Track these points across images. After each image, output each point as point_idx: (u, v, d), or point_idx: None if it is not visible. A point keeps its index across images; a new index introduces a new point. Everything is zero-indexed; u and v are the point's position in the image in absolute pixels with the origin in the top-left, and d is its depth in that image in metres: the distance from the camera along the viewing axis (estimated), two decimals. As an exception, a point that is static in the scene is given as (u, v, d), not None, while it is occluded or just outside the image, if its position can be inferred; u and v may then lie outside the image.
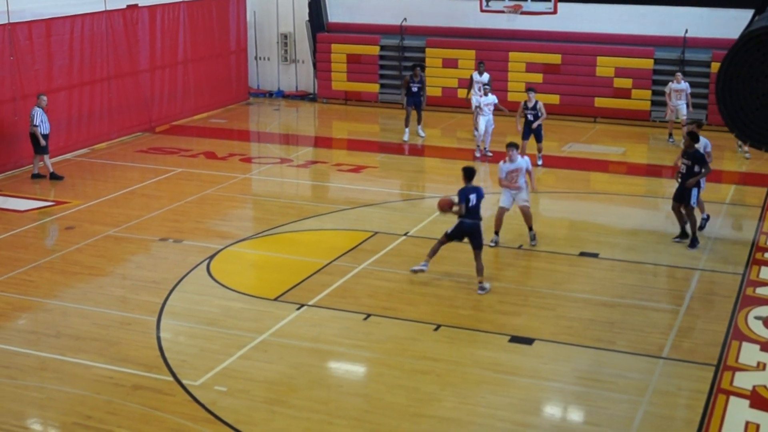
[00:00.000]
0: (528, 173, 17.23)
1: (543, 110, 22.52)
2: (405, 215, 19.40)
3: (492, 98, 23.66)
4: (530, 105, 22.42)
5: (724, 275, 16.10)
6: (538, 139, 22.62)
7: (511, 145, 17.11)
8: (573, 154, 24.25)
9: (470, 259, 16.66)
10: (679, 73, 25.02)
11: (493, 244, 17.23)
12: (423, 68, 27.00)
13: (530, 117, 22.41)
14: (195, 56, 28.71)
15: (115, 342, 13.37)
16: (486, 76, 25.65)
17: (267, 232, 18.28)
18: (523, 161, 17.09)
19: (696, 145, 16.98)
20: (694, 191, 17.10)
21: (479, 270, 15.27)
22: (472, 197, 15.22)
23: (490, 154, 23.64)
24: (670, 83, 25.06)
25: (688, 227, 17.49)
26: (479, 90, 25.15)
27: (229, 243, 17.51)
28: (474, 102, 24.49)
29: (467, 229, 15.29)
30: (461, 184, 14.95)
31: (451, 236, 15.46)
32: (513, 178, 16.99)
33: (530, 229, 17.50)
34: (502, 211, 17.32)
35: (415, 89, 25.51)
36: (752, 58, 8.96)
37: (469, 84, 25.85)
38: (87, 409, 11.55)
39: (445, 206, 15.52)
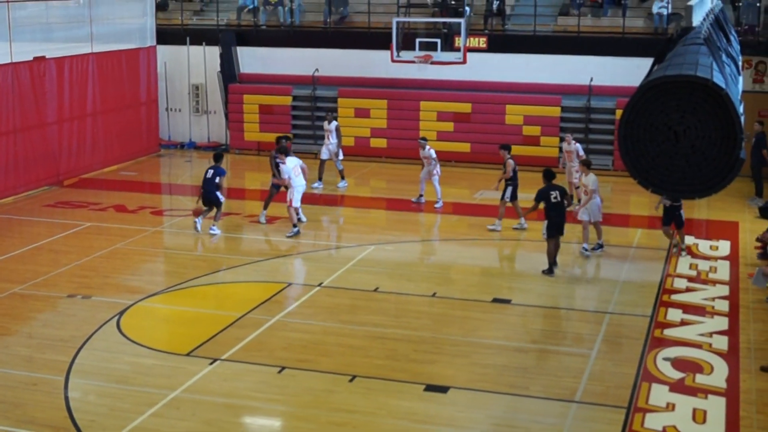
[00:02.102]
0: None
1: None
2: (319, 265, 19.36)
3: (429, 152, 23.66)
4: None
5: (633, 318, 16.35)
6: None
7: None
8: (484, 202, 24.44)
9: (384, 308, 16.74)
10: (568, 135, 23.80)
11: None
12: (288, 139, 23.75)
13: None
14: (104, 108, 28.42)
15: (20, 403, 13.01)
16: (334, 124, 25.99)
17: (179, 286, 18.07)
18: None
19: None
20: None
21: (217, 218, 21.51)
22: (209, 171, 21.48)
23: (423, 201, 23.96)
24: (562, 144, 23.96)
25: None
26: (328, 139, 25.84)
27: (140, 298, 17.26)
28: (323, 153, 25.48)
29: (208, 197, 21.43)
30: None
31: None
32: None
33: None
34: None
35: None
36: (652, 107, 9.15)
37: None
38: (-9, 474, 11.24)
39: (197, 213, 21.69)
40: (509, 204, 21.70)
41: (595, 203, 19.75)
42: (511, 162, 21.66)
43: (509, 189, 21.55)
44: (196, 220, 21.57)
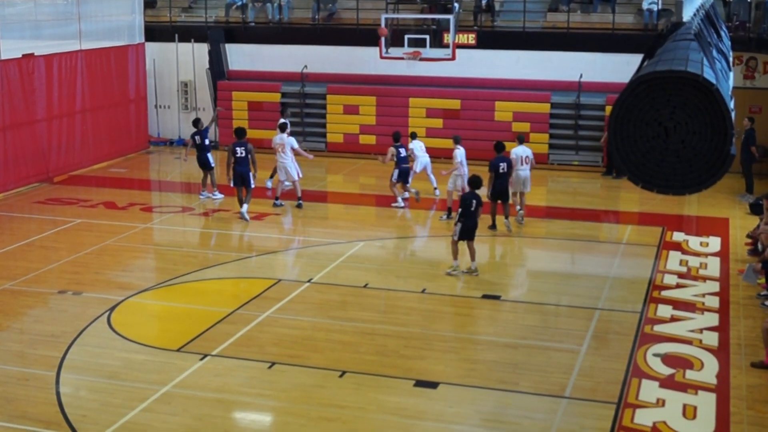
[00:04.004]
0: None
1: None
2: (308, 262, 19.38)
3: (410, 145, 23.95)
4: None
5: (623, 314, 16.39)
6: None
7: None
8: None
9: (374, 304, 16.77)
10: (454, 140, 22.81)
11: None
12: (244, 132, 23.01)
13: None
14: (93, 105, 28.37)
15: (12, 398, 13.02)
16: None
17: (169, 282, 18.07)
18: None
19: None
20: None
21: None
22: (196, 137, 24.23)
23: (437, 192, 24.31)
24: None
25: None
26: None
27: (131, 294, 17.25)
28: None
29: (202, 160, 24.26)
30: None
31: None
32: None
33: None
34: None
35: (241, 154, 22.34)
36: (642, 102, 9.19)
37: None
38: (-17, 469, 11.24)
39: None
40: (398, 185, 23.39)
41: (459, 175, 21.59)
42: (391, 149, 23.24)
43: (395, 171, 23.20)
44: (211, 194, 24.42)
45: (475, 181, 18.65)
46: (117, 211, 23.29)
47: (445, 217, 22.19)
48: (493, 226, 21.17)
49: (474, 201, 18.27)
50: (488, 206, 20.85)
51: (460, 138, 22.83)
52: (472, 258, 18.29)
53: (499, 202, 21.25)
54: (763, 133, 25.49)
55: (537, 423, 12.45)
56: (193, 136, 24.61)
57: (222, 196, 24.24)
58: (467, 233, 18.30)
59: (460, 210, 18.35)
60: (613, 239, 21.37)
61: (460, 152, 22.17)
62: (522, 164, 21.81)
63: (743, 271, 17.70)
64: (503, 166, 21.02)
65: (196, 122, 24.72)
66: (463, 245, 18.29)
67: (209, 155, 24.23)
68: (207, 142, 24.39)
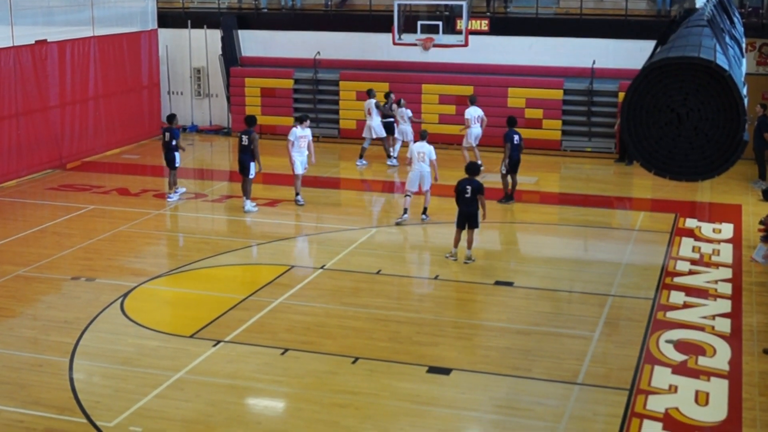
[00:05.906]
0: None
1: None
2: (321, 248, 19.40)
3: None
4: None
5: (636, 300, 16.38)
6: None
7: None
8: (486, 185, 24.33)
9: (386, 291, 16.78)
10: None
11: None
12: (250, 121, 22.45)
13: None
14: (106, 92, 28.42)
15: (26, 384, 13.09)
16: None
17: (182, 268, 18.12)
18: None
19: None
20: None
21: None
22: (166, 135, 22.64)
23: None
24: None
25: None
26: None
27: (144, 280, 17.30)
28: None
29: (167, 158, 22.98)
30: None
31: None
32: None
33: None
34: None
35: (244, 142, 21.96)
36: (655, 88, 9.16)
37: None
38: (-3, 455, 11.30)
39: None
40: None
41: (412, 173, 20.66)
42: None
43: None
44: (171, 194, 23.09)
45: (472, 168, 18.62)
46: (130, 197, 23.34)
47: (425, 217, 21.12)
48: (511, 198, 22.59)
49: (469, 187, 18.22)
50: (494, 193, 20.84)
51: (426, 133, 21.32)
52: (468, 246, 18.28)
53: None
54: (777, 119, 25.36)
55: (550, 409, 12.46)
56: (163, 131, 23.20)
57: (174, 197, 23.00)
58: (463, 220, 18.26)
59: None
60: (625, 226, 21.34)
61: (415, 145, 21.02)
62: (474, 123, 25.01)
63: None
64: (517, 138, 22.31)
65: (171, 118, 23.34)
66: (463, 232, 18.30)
67: (176, 154, 22.85)
68: (174, 142, 22.74)
